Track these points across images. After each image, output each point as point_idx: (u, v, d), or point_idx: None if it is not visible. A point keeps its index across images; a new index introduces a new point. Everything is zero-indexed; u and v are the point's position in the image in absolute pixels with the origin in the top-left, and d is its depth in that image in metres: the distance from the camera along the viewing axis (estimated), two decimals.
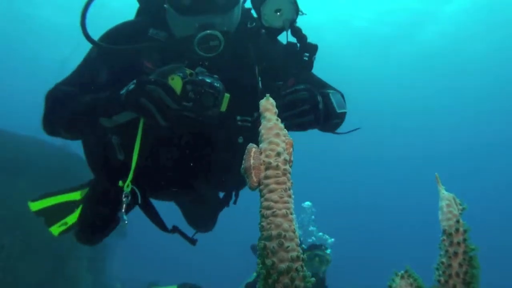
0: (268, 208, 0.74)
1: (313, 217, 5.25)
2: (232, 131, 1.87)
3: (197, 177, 2.00)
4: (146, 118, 1.61)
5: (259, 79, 1.90)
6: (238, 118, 1.85)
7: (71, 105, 1.75)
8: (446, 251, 0.89)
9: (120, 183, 1.82)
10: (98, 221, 2.17)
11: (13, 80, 20.09)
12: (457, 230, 0.89)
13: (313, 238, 4.62)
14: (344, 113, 1.88)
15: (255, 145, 0.80)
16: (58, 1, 14.96)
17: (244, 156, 0.78)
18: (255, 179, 0.76)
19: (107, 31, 1.91)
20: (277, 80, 1.88)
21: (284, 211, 0.73)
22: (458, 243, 0.88)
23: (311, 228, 4.89)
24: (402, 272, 0.93)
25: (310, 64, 1.84)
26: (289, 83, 1.83)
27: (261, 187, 0.77)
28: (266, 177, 0.76)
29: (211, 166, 1.95)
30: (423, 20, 16.01)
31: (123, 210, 1.79)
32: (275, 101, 1.65)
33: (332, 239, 4.48)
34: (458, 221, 0.90)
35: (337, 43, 16.86)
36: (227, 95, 1.62)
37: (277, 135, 0.79)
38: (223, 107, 1.62)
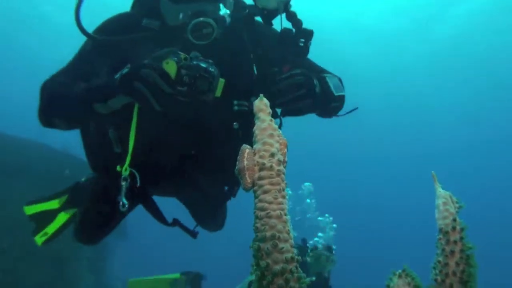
0: (262, 209, 0.73)
1: (311, 187, 5.25)
2: (229, 116, 1.86)
3: (195, 164, 1.98)
4: (140, 102, 1.60)
5: (254, 65, 1.89)
6: (235, 102, 1.84)
7: (66, 93, 1.76)
8: (443, 249, 0.88)
9: (118, 167, 1.80)
10: (100, 219, 2.17)
11: (12, 81, 20.03)
12: (453, 228, 0.89)
13: (309, 215, 4.63)
14: (343, 96, 1.86)
15: (249, 146, 0.80)
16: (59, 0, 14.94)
17: (238, 157, 0.78)
18: (249, 180, 0.75)
19: (101, 24, 1.92)
20: (273, 66, 1.87)
21: (278, 212, 0.73)
22: (455, 242, 0.88)
23: (308, 200, 4.90)
24: (400, 271, 0.93)
25: (305, 49, 1.83)
26: (284, 69, 1.81)
27: (255, 188, 0.76)
28: (260, 178, 0.76)
29: (207, 152, 1.94)
30: (429, 19, 15.97)
31: (122, 195, 1.77)
32: (271, 87, 1.65)
33: (334, 225, 4.47)
34: (454, 220, 0.90)
35: (345, 41, 16.80)
36: (222, 80, 1.60)
37: (271, 135, 0.78)
38: (218, 92, 1.61)
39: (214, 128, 1.89)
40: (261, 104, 0.80)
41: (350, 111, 1.91)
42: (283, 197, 0.75)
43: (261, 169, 0.76)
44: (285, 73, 1.67)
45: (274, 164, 0.76)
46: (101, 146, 1.97)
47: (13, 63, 19.42)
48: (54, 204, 2.48)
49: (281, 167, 0.77)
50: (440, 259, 0.88)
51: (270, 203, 0.73)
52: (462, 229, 0.89)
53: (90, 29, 1.86)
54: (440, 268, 0.87)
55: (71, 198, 2.49)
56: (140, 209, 2.35)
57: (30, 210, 2.47)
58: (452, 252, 0.87)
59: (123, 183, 1.77)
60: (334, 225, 4.52)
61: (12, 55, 19.02)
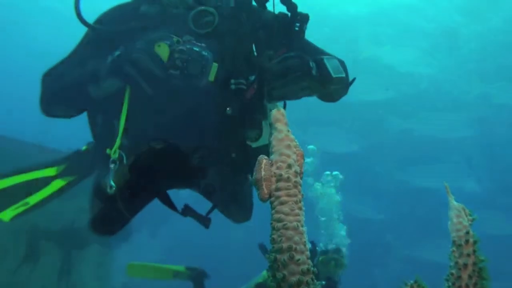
0: (279, 220, 0.74)
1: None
2: (224, 100, 1.81)
3: (194, 152, 1.93)
4: (132, 86, 1.60)
5: (253, 47, 1.88)
6: (232, 81, 1.79)
7: (63, 79, 1.77)
8: (456, 262, 0.88)
9: (108, 150, 1.78)
10: (114, 215, 2.17)
11: (13, 81, 19.90)
12: (467, 241, 0.89)
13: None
14: (342, 78, 1.78)
15: (266, 157, 0.80)
16: None
17: (255, 167, 0.78)
18: (266, 191, 0.76)
19: (100, 15, 1.92)
20: (270, 49, 1.83)
21: (295, 223, 0.73)
22: (468, 255, 0.88)
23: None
24: (412, 282, 0.93)
25: (301, 34, 1.82)
26: (279, 52, 1.77)
27: (272, 199, 0.77)
28: (277, 189, 0.76)
29: (203, 138, 1.90)
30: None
31: (110, 177, 1.73)
32: (267, 71, 1.63)
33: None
34: (467, 232, 0.90)
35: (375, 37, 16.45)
36: (215, 64, 1.60)
37: (288, 146, 0.79)
38: (211, 77, 1.60)
39: (207, 113, 1.85)
40: (278, 114, 0.80)
41: (350, 83, 1.86)
42: (300, 208, 0.75)
43: (278, 180, 0.76)
44: (279, 56, 1.64)
45: (291, 176, 0.76)
46: (107, 139, 1.97)
47: (14, 64, 19.34)
48: (51, 172, 2.44)
49: (298, 179, 0.77)
50: (453, 271, 0.88)
51: (287, 214, 0.74)
52: (475, 242, 0.89)
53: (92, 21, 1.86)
54: (453, 281, 0.88)
55: (70, 166, 2.46)
56: (143, 212, 2.35)
57: (17, 179, 2.40)
58: (465, 265, 0.87)
59: (112, 166, 1.73)
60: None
61: (13, 55, 18.95)
